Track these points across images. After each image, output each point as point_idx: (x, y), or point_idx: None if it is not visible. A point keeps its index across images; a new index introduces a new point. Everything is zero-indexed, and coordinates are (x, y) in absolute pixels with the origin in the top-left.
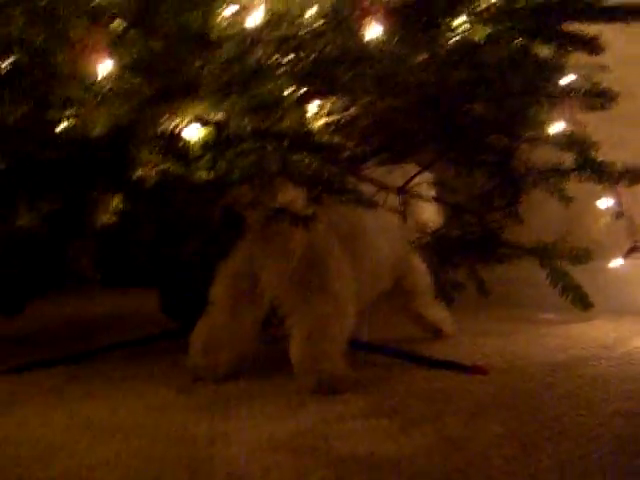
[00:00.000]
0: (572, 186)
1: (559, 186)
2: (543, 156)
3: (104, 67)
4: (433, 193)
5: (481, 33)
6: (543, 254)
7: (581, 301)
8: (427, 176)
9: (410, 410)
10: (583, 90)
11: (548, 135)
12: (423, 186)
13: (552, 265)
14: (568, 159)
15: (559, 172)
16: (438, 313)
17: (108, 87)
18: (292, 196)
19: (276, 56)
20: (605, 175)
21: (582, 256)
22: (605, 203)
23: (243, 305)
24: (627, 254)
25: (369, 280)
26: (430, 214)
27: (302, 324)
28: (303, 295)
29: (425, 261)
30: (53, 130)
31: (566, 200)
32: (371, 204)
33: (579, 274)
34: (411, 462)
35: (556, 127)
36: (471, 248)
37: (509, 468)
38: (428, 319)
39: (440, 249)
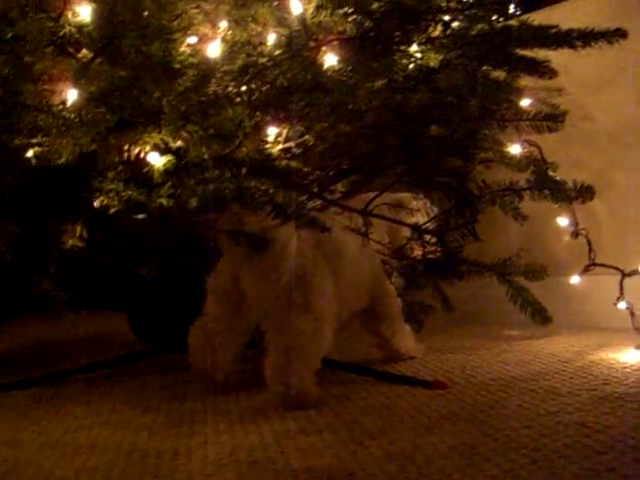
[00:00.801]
0: (531, 205)
1: (514, 204)
2: (498, 176)
3: (69, 96)
4: (424, 219)
5: (435, 59)
6: (501, 270)
7: (540, 315)
8: (423, 204)
9: (368, 424)
10: (532, 113)
11: (503, 156)
12: (420, 212)
13: (511, 281)
14: (522, 178)
15: (514, 191)
16: (405, 340)
17: (73, 116)
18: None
19: (232, 84)
20: (558, 193)
21: (538, 272)
22: (563, 222)
23: (233, 315)
24: (584, 271)
25: (348, 299)
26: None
27: (280, 339)
28: (286, 312)
29: (394, 284)
30: (20, 157)
31: (521, 218)
32: (325, 228)
33: (540, 290)
34: (365, 473)
35: (512, 149)
36: (433, 266)
37: (459, 477)
38: (394, 346)
39: (404, 269)
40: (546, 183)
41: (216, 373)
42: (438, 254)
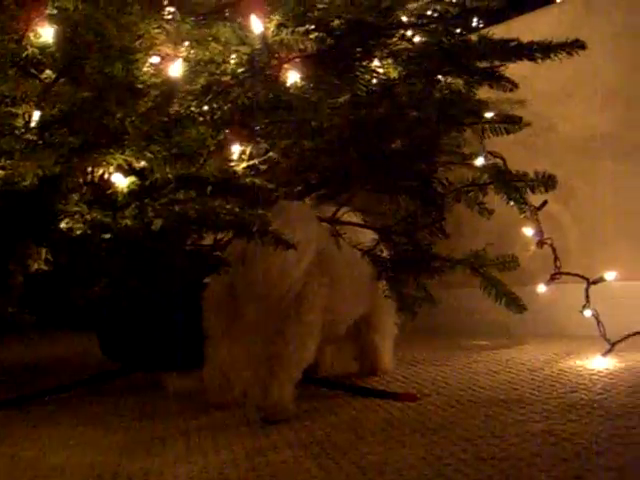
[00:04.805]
0: (496, 216)
1: (479, 200)
2: (461, 174)
3: (33, 118)
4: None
5: (395, 72)
6: (474, 263)
7: (515, 304)
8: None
9: (340, 439)
10: (491, 117)
11: (464, 158)
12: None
13: (484, 273)
14: (485, 175)
15: (477, 186)
16: (388, 357)
17: (37, 138)
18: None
19: (195, 104)
20: (520, 184)
21: (510, 262)
22: (528, 232)
23: (235, 331)
24: (550, 279)
25: (347, 307)
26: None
27: (268, 348)
28: (277, 321)
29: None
30: None
31: (487, 212)
32: (289, 245)
33: None
34: None
35: (476, 161)
36: (406, 264)
37: None
38: (378, 359)
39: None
40: (507, 175)
41: (234, 406)
42: (410, 253)
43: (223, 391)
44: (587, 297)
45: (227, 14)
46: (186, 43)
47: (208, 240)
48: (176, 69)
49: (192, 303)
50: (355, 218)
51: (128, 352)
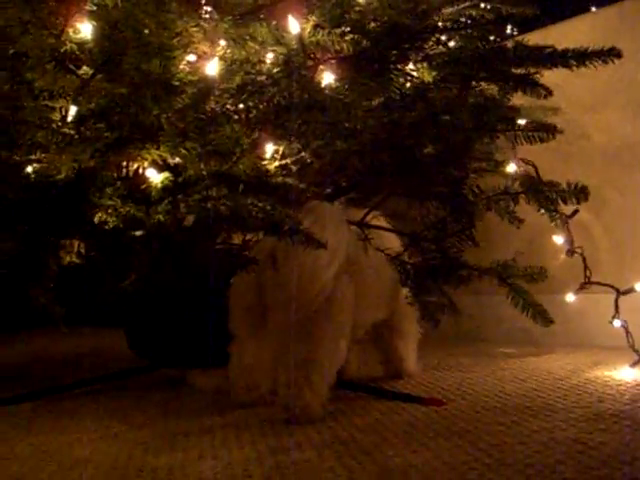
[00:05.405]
0: (527, 224)
1: (509, 209)
2: (493, 182)
3: (69, 113)
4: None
5: (429, 76)
6: (501, 273)
7: (541, 317)
8: None
9: (364, 440)
10: (524, 124)
11: (496, 166)
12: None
13: (511, 283)
14: (517, 183)
15: (509, 195)
16: (413, 362)
17: (73, 132)
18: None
19: (230, 102)
20: (552, 194)
21: (538, 274)
22: (559, 240)
23: (262, 331)
24: (580, 289)
25: (369, 308)
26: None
27: (301, 350)
28: (306, 323)
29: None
30: (20, 172)
31: (517, 222)
32: (320, 245)
33: None
34: None
35: (508, 167)
36: (433, 272)
37: None
38: (404, 365)
39: (404, 275)
40: (538, 184)
41: (259, 405)
42: (438, 260)
43: (248, 390)
44: (617, 307)
45: (263, 15)
46: (223, 42)
47: (237, 239)
48: (212, 67)
49: (220, 301)
50: (383, 223)
51: (155, 348)
